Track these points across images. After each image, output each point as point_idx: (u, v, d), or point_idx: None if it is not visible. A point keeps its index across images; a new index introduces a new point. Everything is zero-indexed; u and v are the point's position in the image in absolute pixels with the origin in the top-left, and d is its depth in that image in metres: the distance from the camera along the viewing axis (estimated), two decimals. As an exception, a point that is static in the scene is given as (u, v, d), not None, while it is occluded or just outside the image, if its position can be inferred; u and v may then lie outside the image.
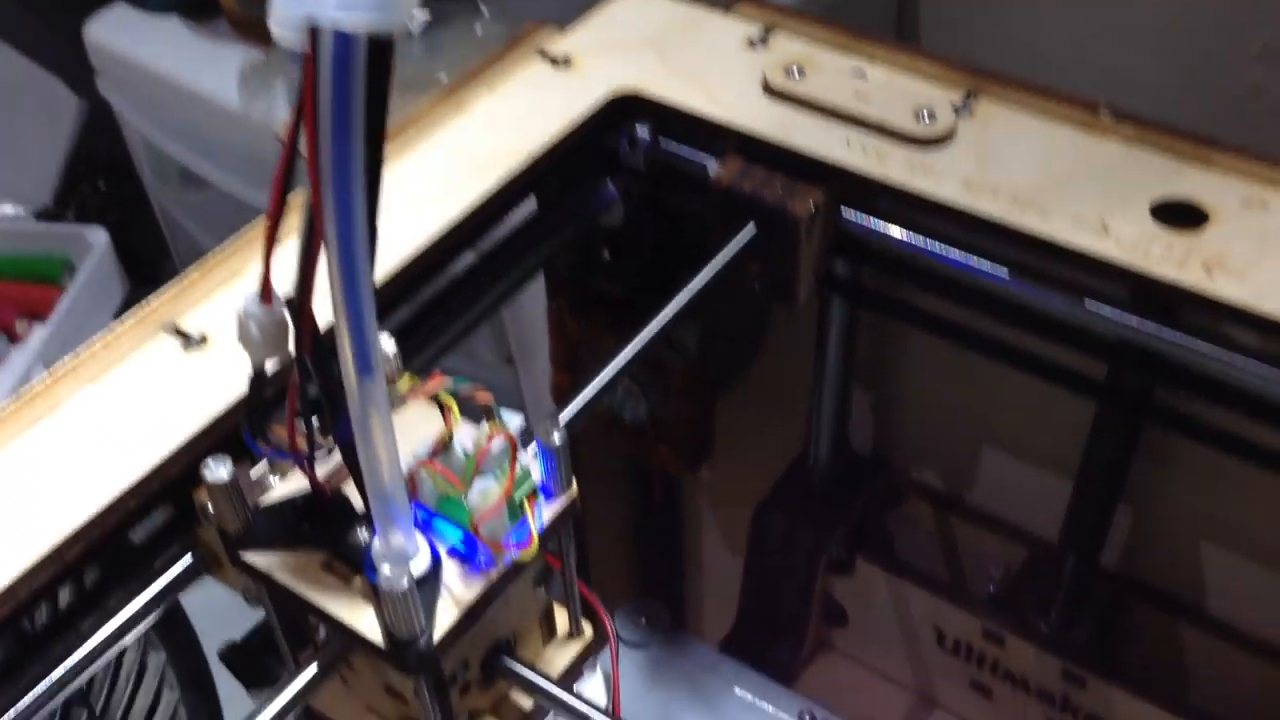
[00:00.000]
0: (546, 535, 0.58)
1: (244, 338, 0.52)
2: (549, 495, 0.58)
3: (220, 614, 0.76)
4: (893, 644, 1.10)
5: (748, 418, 1.12)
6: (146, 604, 0.63)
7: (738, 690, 1.04)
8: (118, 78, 1.80)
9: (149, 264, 2.19)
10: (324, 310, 0.47)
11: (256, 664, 0.74)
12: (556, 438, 0.57)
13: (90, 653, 0.61)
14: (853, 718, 1.01)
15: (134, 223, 2.29)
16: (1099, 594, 0.99)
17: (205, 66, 1.59)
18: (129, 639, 0.63)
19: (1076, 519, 0.91)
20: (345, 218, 0.44)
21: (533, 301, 1.16)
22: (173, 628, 1.31)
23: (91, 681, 1.22)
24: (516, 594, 0.60)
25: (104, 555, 0.63)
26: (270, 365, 0.55)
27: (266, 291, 0.50)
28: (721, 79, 0.81)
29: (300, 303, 0.49)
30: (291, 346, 0.51)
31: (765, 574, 1.10)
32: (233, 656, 0.75)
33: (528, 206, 0.83)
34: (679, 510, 1.28)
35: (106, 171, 2.34)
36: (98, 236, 2.06)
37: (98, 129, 2.16)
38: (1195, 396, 0.73)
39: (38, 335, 1.95)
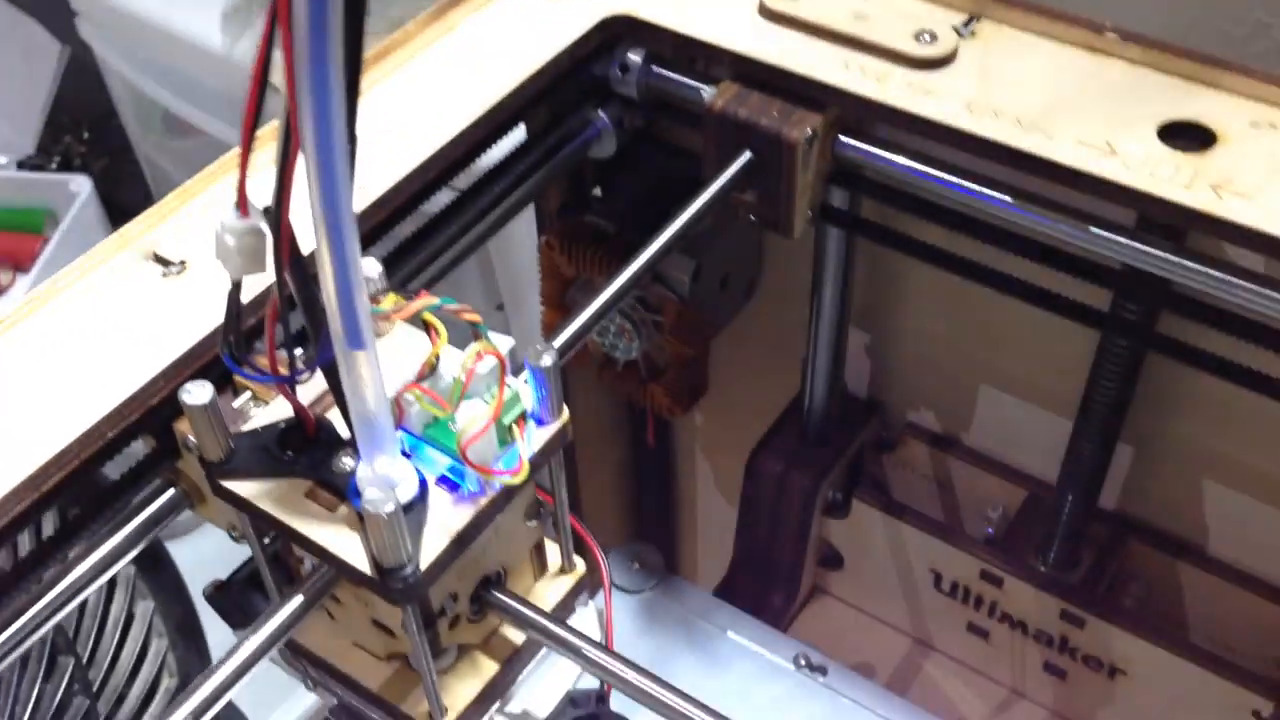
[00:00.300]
0: (537, 461, 0.56)
1: (221, 252, 0.50)
2: (540, 422, 0.57)
3: (211, 566, 0.74)
4: (889, 587, 1.09)
5: (743, 360, 1.10)
6: (126, 538, 0.62)
7: (732, 635, 1.03)
8: (98, 20, 1.77)
9: (134, 213, 2.16)
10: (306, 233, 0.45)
11: (242, 602, 0.73)
12: (547, 359, 0.55)
13: (67, 589, 0.60)
14: (849, 662, 1.00)
15: (118, 171, 2.27)
16: (1098, 534, 0.98)
17: (187, 7, 1.56)
18: (108, 575, 0.61)
19: (1076, 457, 0.90)
20: (323, 117, 0.41)
21: (523, 240, 1.14)
22: (161, 576, 1.30)
23: (78, 629, 1.21)
24: (507, 525, 0.58)
25: (83, 487, 0.61)
26: (252, 288, 0.53)
27: (242, 201, 0.48)
28: (716, 1, 0.79)
29: (278, 211, 0.47)
30: (270, 261, 0.49)
31: (760, 518, 1.08)
32: (218, 596, 0.74)
33: (515, 136, 0.81)
34: (673, 454, 1.26)
35: (90, 119, 2.31)
36: (81, 185, 2.04)
37: (80, 75, 2.13)
38: (1201, 324, 0.72)
39: (20, 286, 1.93)
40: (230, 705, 1.28)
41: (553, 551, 0.65)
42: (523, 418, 0.55)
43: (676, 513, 1.30)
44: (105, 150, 2.32)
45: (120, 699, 1.18)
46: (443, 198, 0.78)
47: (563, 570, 0.65)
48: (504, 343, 0.56)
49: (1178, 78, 0.70)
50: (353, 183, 0.45)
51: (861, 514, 1.06)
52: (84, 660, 1.17)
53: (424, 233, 0.77)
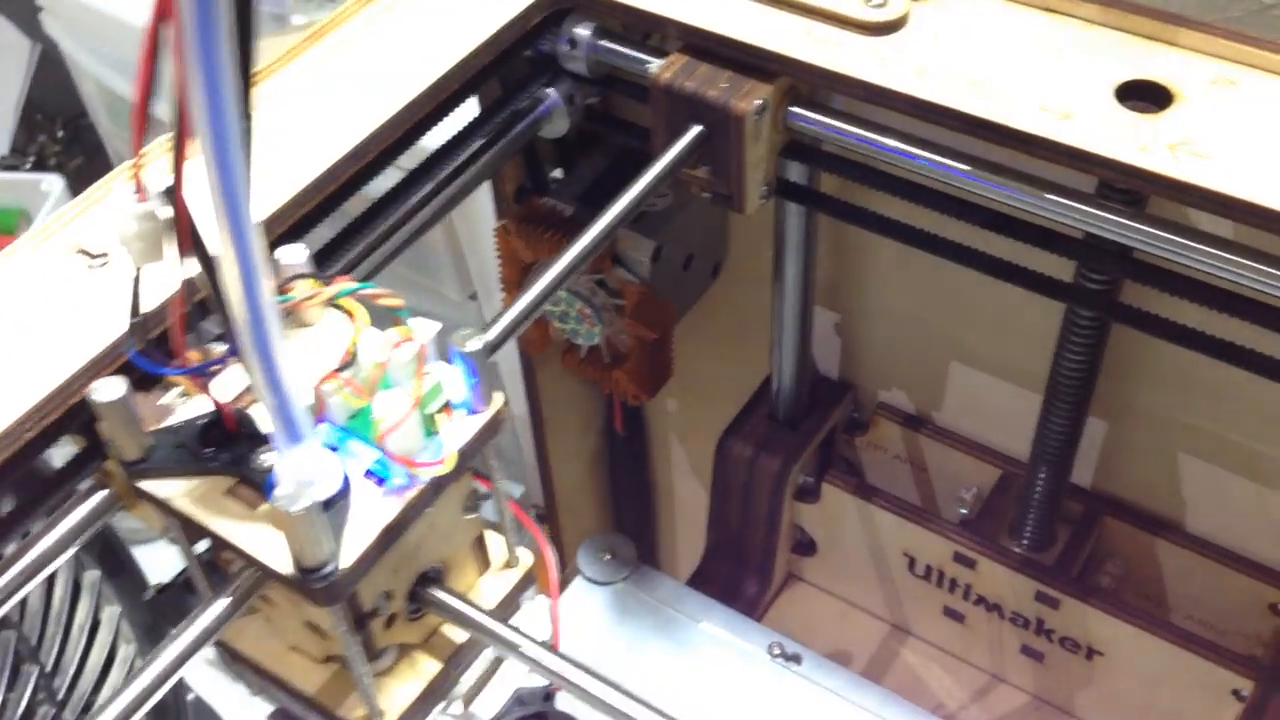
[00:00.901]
0: (469, 451, 0.54)
1: (122, 238, 0.47)
2: (471, 410, 0.54)
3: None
4: (863, 572, 1.07)
5: (712, 342, 1.08)
6: (55, 545, 0.59)
7: (704, 625, 1.00)
8: (62, 15, 1.74)
9: (106, 212, 2.14)
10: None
11: (180, 606, 0.70)
12: (475, 344, 0.53)
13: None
14: (824, 650, 0.97)
15: (93, 170, 2.24)
16: (1073, 512, 0.95)
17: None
18: (33, 584, 0.59)
19: (1046, 433, 0.88)
20: (213, 96, 0.39)
21: (492, 228, 1.12)
22: (126, 580, 1.27)
23: (41, 638, 1.18)
24: (441, 519, 0.56)
25: (12, 487, 0.59)
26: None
27: (139, 184, 0.45)
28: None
29: (175, 195, 0.44)
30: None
31: (731, 505, 1.06)
32: (158, 600, 0.71)
33: (463, 116, 0.79)
34: (646, 441, 1.24)
35: (64, 118, 2.29)
36: (53, 185, 2.01)
37: (54, 73, 2.10)
38: (1166, 292, 0.69)
39: (-9, 287, 1.91)
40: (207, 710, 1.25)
41: (499, 545, 0.63)
42: (449, 406, 0.53)
43: (652, 501, 1.28)
44: (80, 149, 2.30)
45: (88, 706, 1.16)
46: (390, 181, 0.76)
47: (508, 564, 0.63)
48: (429, 328, 0.53)
49: (1136, 36, 0.67)
50: (249, 164, 0.43)
51: (833, 498, 1.04)
52: (48, 668, 1.15)
53: (369, 216, 0.75)
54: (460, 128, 0.80)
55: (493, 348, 0.60)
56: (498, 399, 0.55)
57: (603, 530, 1.24)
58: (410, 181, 0.76)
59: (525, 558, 0.63)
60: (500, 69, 0.77)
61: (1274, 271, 0.62)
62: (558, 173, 0.98)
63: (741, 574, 1.08)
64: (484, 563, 0.62)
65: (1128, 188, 0.66)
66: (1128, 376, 0.86)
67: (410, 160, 0.75)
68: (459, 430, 0.53)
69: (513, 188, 0.96)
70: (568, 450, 1.18)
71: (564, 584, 1.03)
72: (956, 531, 0.97)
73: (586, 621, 1.01)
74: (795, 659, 0.98)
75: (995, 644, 1.02)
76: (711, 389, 1.12)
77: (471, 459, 0.54)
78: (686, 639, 1.00)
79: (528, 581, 0.63)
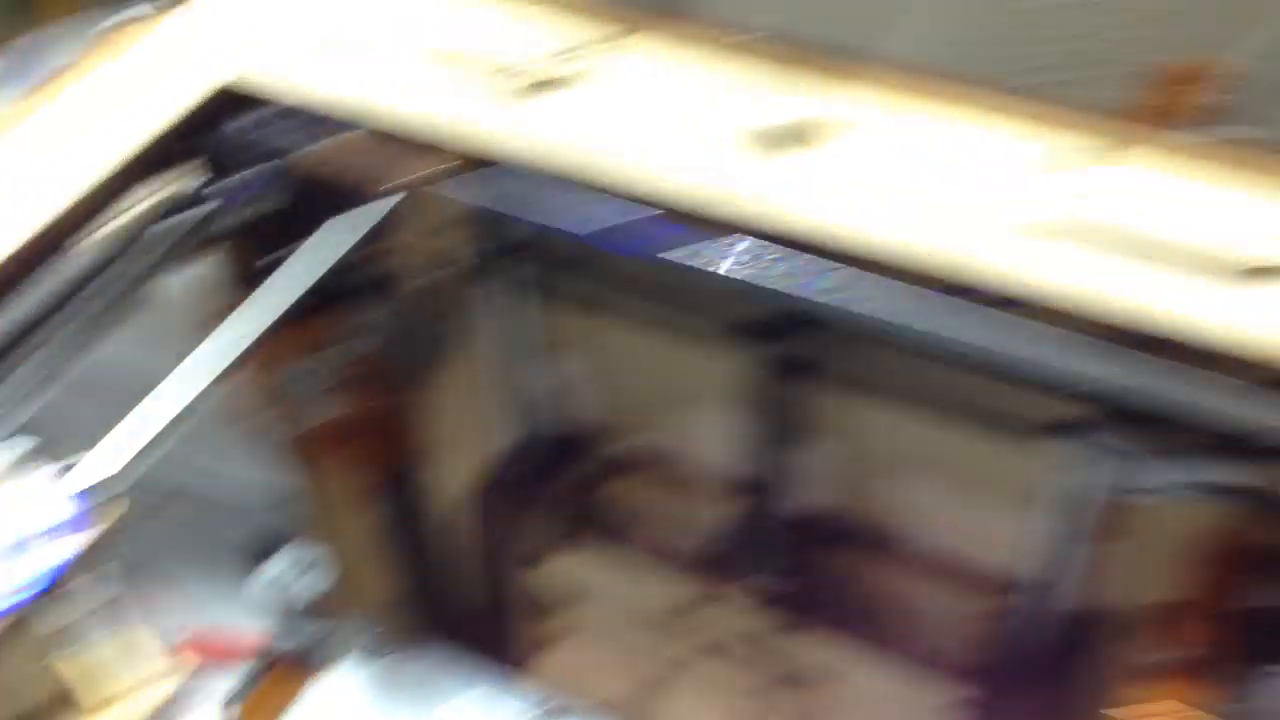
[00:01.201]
0: (67, 577, 0.52)
1: None
2: (71, 531, 0.53)
3: None
4: (622, 620, 1.07)
5: (455, 407, 1.07)
6: None
7: (474, 689, 1.00)
8: None
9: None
10: None
11: None
12: (57, 471, 0.51)
13: None
14: (592, 700, 0.97)
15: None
16: (813, 543, 0.96)
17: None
18: None
19: (762, 465, 0.88)
20: None
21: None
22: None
23: None
24: (31, 652, 0.54)
25: None
26: None
27: None
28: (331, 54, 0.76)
29: None
30: None
31: (490, 563, 1.06)
32: None
33: (143, 203, 0.78)
34: (417, 508, 1.22)
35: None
36: None
37: None
38: (819, 336, 0.70)
39: None
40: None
41: (148, 657, 0.61)
42: (44, 533, 0.52)
43: (430, 566, 1.27)
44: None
45: None
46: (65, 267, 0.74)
47: (157, 678, 0.61)
48: (17, 448, 0.52)
49: (807, 76, 0.67)
50: None
51: (586, 549, 1.04)
52: None
53: (42, 315, 0.73)
54: (162, 214, 0.79)
55: (111, 481, 0.58)
56: (111, 511, 0.54)
57: (385, 599, 1.23)
58: (78, 281, 0.74)
59: (161, 668, 0.61)
60: (188, 156, 0.77)
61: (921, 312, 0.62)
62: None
63: (507, 632, 1.07)
64: (108, 690, 0.60)
65: (772, 235, 0.66)
66: (840, 412, 0.87)
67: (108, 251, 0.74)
68: (44, 557, 0.51)
69: (242, 270, 0.95)
70: (347, 527, 1.16)
71: (333, 663, 1.02)
72: (703, 571, 0.98)
73: (355, 696, 1.00)
74: (564, 712, 0.98)
75: (748, 678, 1.02)
76: (465, 452, 1.11)
77: (64, 586, 0.52)
78: (456, 704, 1.00)
79: (178, 696, 0.61)
